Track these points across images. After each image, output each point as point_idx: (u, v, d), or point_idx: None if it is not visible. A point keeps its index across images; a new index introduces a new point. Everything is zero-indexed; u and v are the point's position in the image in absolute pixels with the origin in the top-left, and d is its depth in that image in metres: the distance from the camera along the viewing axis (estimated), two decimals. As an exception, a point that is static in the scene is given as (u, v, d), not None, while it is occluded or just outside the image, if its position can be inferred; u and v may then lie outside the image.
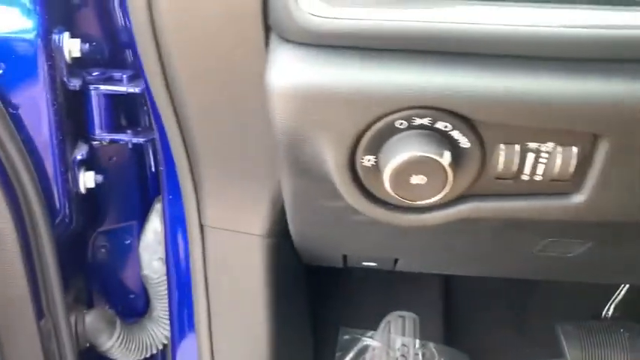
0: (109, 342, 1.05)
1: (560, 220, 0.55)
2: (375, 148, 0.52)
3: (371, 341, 1.34)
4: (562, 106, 0.48)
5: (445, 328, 1.37)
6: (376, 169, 0.53)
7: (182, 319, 1.00)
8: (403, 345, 1.34)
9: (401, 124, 0.50)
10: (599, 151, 0.50)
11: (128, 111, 0.96)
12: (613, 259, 0.80)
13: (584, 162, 0.52)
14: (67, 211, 0.91)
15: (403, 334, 1.35)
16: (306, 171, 0.59)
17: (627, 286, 1.34)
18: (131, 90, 0.87)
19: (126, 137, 0.92)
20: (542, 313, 1.38)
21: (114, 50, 0.93)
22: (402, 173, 0.50)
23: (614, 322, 1.35)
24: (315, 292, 1.33)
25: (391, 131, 0.51)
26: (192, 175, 0.77)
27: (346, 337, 1.35)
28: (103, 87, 0.88)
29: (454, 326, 1.39)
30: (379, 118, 0.50)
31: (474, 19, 0.47)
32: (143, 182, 1.07)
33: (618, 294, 1.35)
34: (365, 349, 1.34)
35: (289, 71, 0.49)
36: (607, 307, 1.36)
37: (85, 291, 1.08)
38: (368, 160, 0.53)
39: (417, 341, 1.34)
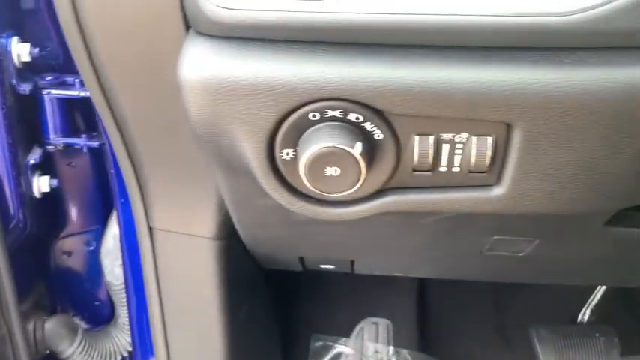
0: (70, 349, 1.04)
1: (486, 213, 0.55)
2: (292, 141, 0.52)
3: (344, 348, 1.33)
4: (471, 95, 0.47)
5: (419, 334, 1.36)
6: (295, 162, 0.53)
7: (142, 326, 1.00)
8: (376, 351, 1.33)
9: (314, 116, 0.50)
10: (514, 141, 0.50)
11: (85, 116, 0.96)
12: (563, 258, 0.79)
13: (501, 153, 0.51)
14: (21, 216, 0.91)
15: (376, 341, 1.34)
16: (232, 168, 0.59)
17: (602, 289, 1.33)
18: (83, 94, 0.87)
19: (80, 141, 0.93)
20: (519, 318, 1.37)
21: (69, 55, 0.94)
22: (317, 165, 0.50)
23: (589, 326, 1.34)
24: (286, 299, 1.32)
25: (306, 124, 0.51)
26: (137, 178, 0.76)
27: (318, 343, 1.34)
28: (55, 91, 0.88)
29: (428, 332, 1.38)
30: (291, 111, 0.50)
31: (379, 9, 0.47)
32: (105, 187, 1.07)
33: (593, 298, 1.34)
34: (338, 356, 1.33)
35: (199, 64, 0.49)
36: (583, 312, 1.35)
37: (46, 297, 1.07)
38: (287, 154, 0.53)
39: (391, 348, 1.33)
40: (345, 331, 1.33)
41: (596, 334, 1.29)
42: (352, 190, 0.51)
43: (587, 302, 1.35)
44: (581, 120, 0.48)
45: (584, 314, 1.35)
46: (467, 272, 0.96)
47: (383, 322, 1.35)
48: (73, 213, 1.07)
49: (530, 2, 0.46)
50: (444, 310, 1.41)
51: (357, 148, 0.49)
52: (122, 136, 0.70)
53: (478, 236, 0.73)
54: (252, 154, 0.52)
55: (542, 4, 0.46)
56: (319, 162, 0.50)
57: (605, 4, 0.44)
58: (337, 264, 0.94)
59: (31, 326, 0.99)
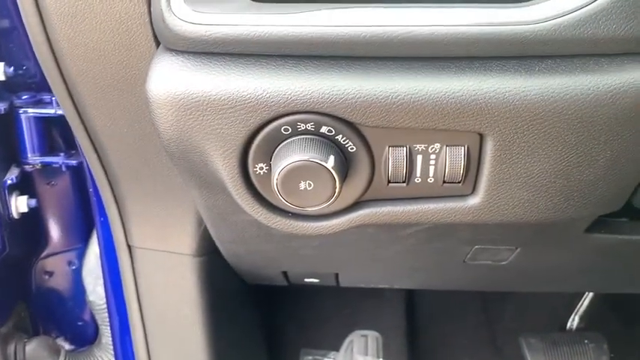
0: (52, 371, 1.02)
1: (463, 223, 0.54)
2: (265, 155, 0.51)
3: (333, 362, 1.32)
4: (441, 106, 0.47)
5: (409, 345, 1.35)
6: (269, 176, 0.52)
7: (125, 346, 0.98)
8: (366, 364, 1.32)
9: (286, 130, 0.50)
10: (487, 151, 0.50)
11: (63, 134, 0.95)
12: (546, 266, 0.79)
13: (475, 163, 0.51)
14: (-1, 236, 0.90)
15: (366, 354, 1.33)
16: (206, 184, 0.58)
17: (590, 296, 1.33)
18: (60, 112, 0.86)
19: (58, 160, 0.92)
20: (508, 327, 1.37)
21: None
22: (290, 179, 0.50)
23: (578, 333, 1.34)
24: (274, 314, 1.31)
25: (278, 138, 0.50)
26: (114, 195, 0.76)
27: (308, 358, 1.33)
28: (31, 110, 0.87)
29: (418, 344, 1.37)
30: (263, 125, 0.49)
31: (348, 22, 0.47)
32: (87, 205, 1.05)
33: (581, 305, 1.34)
34: (327, 370, 1.32)
35: (167, 80, 0.49)
36: (571, 319, 1.35)
37: (27, 319, 1.05)
38: (260, 169, 0.52)
39: (381, 360, 1.32)
40: (335, 345, 1.32)
41: (585, 341, 1.28)
42: (327, 204, 0.51)
43: (576, 309, 1.35)
44: (553, 128, 0.48)
45: (573, 321, 1.35)
46: (452, 282, 0.96)
47: (372, 335, 1.34)
48: (54, 232, 1.05)
49: (499, 12, 0.46)
50: (433, 321, 1.40)
51: (330, 161, 0.49)
52: (97, 153, 0.69)
53: (459, 246, 0.73)
54: (224, 169, 0.52)
55: (510, 13, 0.46)
56: (292, 176, 0.49)
57: (572, 12, 0.44)
58: (321, 277, 0.93)
59: (11, 349, 0.97)
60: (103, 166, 0.71)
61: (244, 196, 0.54)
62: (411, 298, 1.40)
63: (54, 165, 0.93)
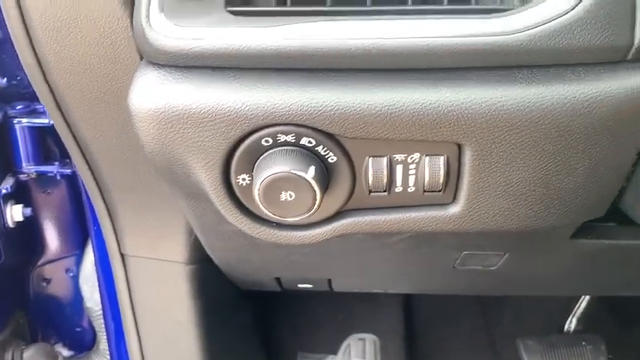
0: (50, 377, 1.03)
1: (445, 232, 0.55)
2: (247, 166, 0.52)
3: (331, 365, 1.32)
4: (418, 117, 0.48)
5: (407, 349, 1.35)
6: (251, 188, 0.53)
7: (121, 352, 0.99)
8: (364, 368, 1.32)
9: (267, 141, 0.50)
10: (466, 160, 0.50)
11: (58, 143, 0.96)
12: (536, 271, 0.79)
13: (454, 172, 0.51)
14: (-4, 245, 0.91)
15: (364, 357, 1.33)
16: (192, 194, 0.59)
17: (587, 298, 1.33)
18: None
19: (53, 169, 0.93)
20: (506, 330, 1.37)
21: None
22: (271, 190, 0.50)
23: (576, 335, 1.34)
24: (271, 318, 1.31)
25: (259, 149, 0.51)
26: (106, 204, 0.76)
27: (305, 362, 1.33)
28: (25, 120, 0.89)
29: (416, 347, 1.37)
30: (244, 137, 0.50)
31: (325, 35, 0.47)
32: (83, 212, 1.06)
33: (578, 307, 1.34)
34: (325, 373, 1.32)
35: (148, 93, 0.49)
36: (569, 321, 1.35)
37: (25, 326, 1.06)
38: (243, 180, 0.53)
39: (379, 364, 1.32)
40: (332, 349, 1.32)
41: (583, 343, 1.28)
42: (309, 214, 0.51)
43: (573, 311, 1.34)
44: (530, 137, 0.48)
45: (571, 323, 1.35)
46: (444, 287, 0.96)
47: (370, 338, 1.34)
48: (51, 240, 1.06)
49: (476, 23, 0.47)
50: (430, 324, 1.40)
51: (311, 172, 0.49)
52: (88, 164, 0.70)
53: (447, 252, 0.73)
54: (207, 181, 0.52)
55: (486, 24, 0.47)
56: (273, 187, 0.50)
57: (547, 22, 0.45)
58: (314, 283, 0.94)
59: (9, 355, 0.98)
60: (94, 177, 0.72)
61: (227, 206, 0.54)
62: (408, 301, 1.40)
63: (49, 174, 0.94)
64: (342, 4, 0.51)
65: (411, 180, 0.52)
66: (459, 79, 0.48)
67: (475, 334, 1.39)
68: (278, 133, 0.50)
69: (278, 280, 0.93)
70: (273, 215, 0.52)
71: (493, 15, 0.47)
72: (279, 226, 0.56)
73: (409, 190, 0.52)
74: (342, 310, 1.37)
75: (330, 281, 0.92)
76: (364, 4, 0.52)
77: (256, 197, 0.51)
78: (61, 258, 1.08)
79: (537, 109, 0.47)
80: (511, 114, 0.47)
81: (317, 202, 0.51)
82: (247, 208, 0.55)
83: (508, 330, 1.36)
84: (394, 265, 0.82)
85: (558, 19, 0.45)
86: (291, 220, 0.52)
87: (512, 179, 0.51)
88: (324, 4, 0.51)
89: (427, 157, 0.51)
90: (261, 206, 0.51)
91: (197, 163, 0.52)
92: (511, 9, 0.48)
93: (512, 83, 0.47)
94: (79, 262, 1.09)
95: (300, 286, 0.96)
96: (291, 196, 0.50)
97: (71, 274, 1.10)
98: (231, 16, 0.49)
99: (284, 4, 0.51)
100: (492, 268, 0.78)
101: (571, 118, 0.48)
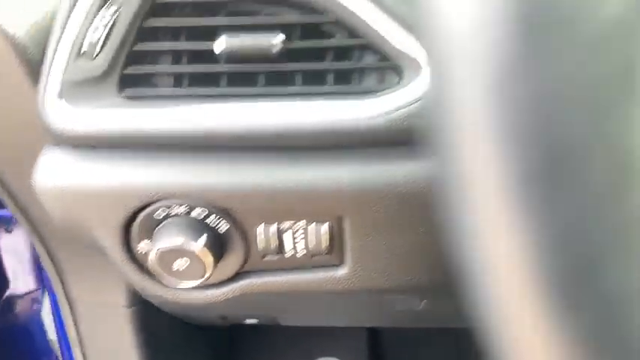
0: (13, 410, 1.07)
1: (336, 291, 0.58)
2: (146, 235, 0.56)
3: (296, 391, 1.34)
4: (296, 193, 0.51)
5: (372, 371, 1.37)
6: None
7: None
8: (328, 392, 1.34)
9: (159, 215, 0.54)
10: (346, 228, 0.54)
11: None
12: (454, 307, 0.82)
13: (338, 237, 0.55)
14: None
15: (328, 381, 1.35)
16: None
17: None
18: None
19: (7, 212, 0.96)
20: (477, 349, 1.37)
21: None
22: (164, 260, 0.54)
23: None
24: (229, 350, 1.33)
25: (155, 221, 0.54)
26: (47, 250, 0.80)
27: (268, 388, 1.35)
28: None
29: (381, 368, 1.39)
30: (138, 211, 0.54)
31: (206, 116, 0.51)
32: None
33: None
34: (290, 400, 1.34)
35: (49, 171, 0.53)
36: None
37: (-10, 359, 1.10)
38: (142, 247, 0.57)
39: (344, 388, 1.34)
40: (296, 374, 1.34)
41: None
42: (202, 280, 0.55)
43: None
44: (396, 207, 0.51)
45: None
46: (383, 322, 0.99)
47: (333, 363, 1.37)
48: (15, 275, 1.10)
49: (340, 106, 0.50)
50: (396, 347, 1.42)
51: (201, 242, 0.53)
52: (23, 213, 0.74)
53: (369, 296, 0.76)
54: (110, 249, 0.56)
55: (351, 109, 0.50)
56: (166, 257, 0.54)
57: (400, 109, 0.48)
58: (260, 319, 0.97)
59: (-28, 391, 1.02)
60: (32, 224, 0.76)
61: (131, 272, 0.58)
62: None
63: (5, 216, 0.98)
64: (236, 84, 0.54)
65: (300, 245, 0.55)
66: (333, 158, 0.51)
67: (447, 352, 1.39)
68: (169, 205, 0.53)
69: (224, 317, 0.96)
70: (170, 280, 0.56)
71: (358, 97, 0.50)
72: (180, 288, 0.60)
73: (298, 254, 0.56)
74: (304, 334, 1.39)
75: (275, 317, 0.95)
76: (257, 84, 0.55)
77: (151, 265, 0.55)
78: (26, 293, 1.12)
79: (396, 184, 0.50)
80: (373, 188, 0.50)
81: (209, 269, 0.54)
82: (150, 272, 0.59)
83: (479, 348, 1.36)
84: (330, 304, 0.85)
85: (410, 107, 0.48)
86: (186, 285, 0.56)
87: (390, 243, 0.54)
88: (218, 85, 0.54)
89: (313, 224, 0.54)
90: (157, 273, 0.55)
91: (99, 233, 0.55)
92: (389, 88, 0.51)
93: (372, 161, 0.51)
94: (43, 295, 1.13)
95: (247, 321, 0.99)
96: (185, 263, 0.54)
97: (35, 308, 1.14)
98: (127, 100, 0.53)
99: (180, 85, 0.55)
100: (417, 309, 0.81)
101: (414, 194, 0.51)
